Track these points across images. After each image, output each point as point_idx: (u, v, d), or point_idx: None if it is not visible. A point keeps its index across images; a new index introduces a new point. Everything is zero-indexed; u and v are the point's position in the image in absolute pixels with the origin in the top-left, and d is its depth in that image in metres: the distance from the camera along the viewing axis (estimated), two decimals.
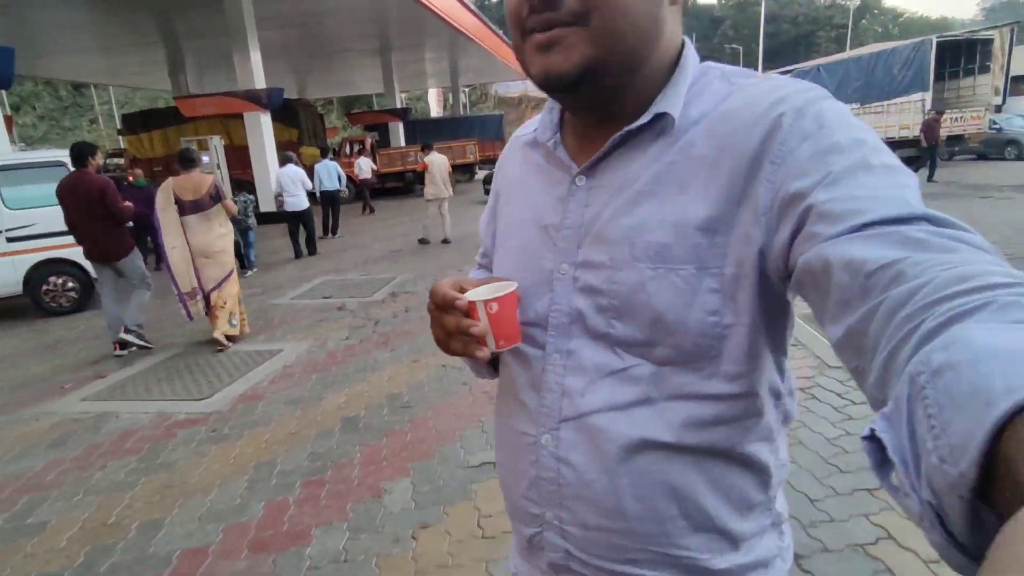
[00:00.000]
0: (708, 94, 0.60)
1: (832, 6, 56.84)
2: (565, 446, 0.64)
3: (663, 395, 0.60)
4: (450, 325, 0.63)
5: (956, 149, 17.11)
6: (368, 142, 18.38)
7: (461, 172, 20.13)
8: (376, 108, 27.88)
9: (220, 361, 4.50)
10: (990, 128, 16.36)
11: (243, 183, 12.51)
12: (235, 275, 4.96)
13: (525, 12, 0.56)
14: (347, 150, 17.56)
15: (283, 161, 9.64)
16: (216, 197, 4.74)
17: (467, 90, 37.37)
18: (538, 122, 0.72)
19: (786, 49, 54.64)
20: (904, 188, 0.48)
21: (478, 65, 23.41)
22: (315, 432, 3.24)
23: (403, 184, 17.44)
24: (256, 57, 12.64)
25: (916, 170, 11.62)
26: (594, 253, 0.62)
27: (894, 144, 16.56)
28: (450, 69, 24.16)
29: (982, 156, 17.58)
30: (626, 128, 0.60)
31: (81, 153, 4.66)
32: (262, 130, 12.79)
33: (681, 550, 0.62)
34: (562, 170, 0.67)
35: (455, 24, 15.46)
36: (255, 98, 12.61)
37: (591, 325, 0.62)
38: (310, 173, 10.96)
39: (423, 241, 9.36)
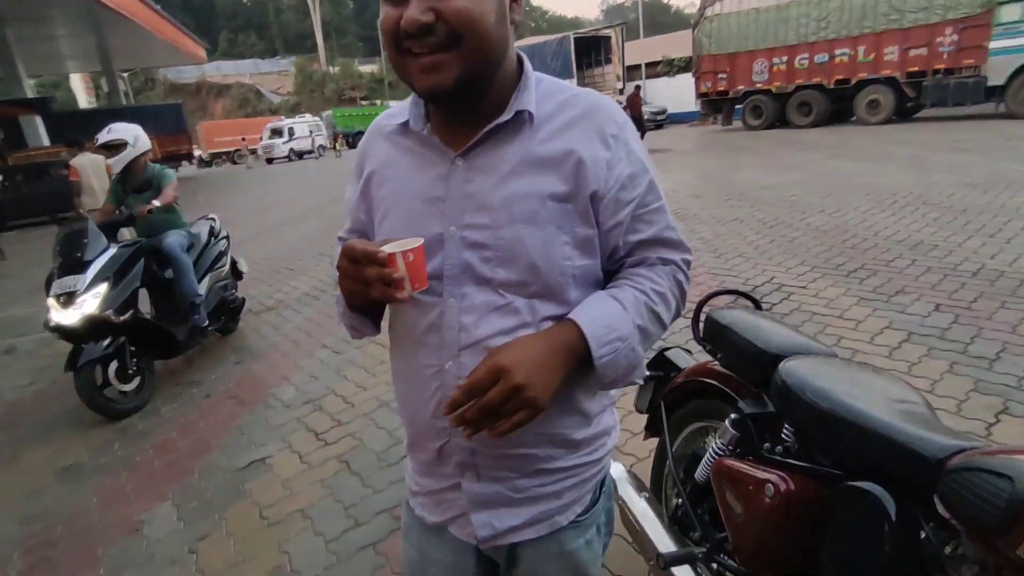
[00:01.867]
0: (550, 97, 0.81)
1: None
2: (466, 368, 0.78)
3: (535, 320, 0.79)
4: (371, 275, 0.73)
5: None
6: None
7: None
8: None
9: None
10: None
11: None
12: None
13: (402, 36, 0.70)
14: None
15: None
16: None
17: (126, 75, 31.28)
18: (404, 113, 0.86)
19: None
20: (662, 212, 0.86)
21: (136, 45, 19.83)
22: (20, 494, 2.71)
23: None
24: None
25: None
26: (478, 217, 0.78)
27: None
28: (98, 50, 19.95)
29: None
30: (495, 122, 0.78)
31: None
32: None
33: (555, 428, 0.83)
34: (439, 153, 0.82)
35: None
36: None
37: (478, 273, 0.79)
38: None
39: None
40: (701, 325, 1.59)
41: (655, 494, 1.79)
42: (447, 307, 0.81)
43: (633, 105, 14.69)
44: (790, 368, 1.21)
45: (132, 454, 2.94)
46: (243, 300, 4.61)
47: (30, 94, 17.89)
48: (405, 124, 0.86)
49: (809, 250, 4.86)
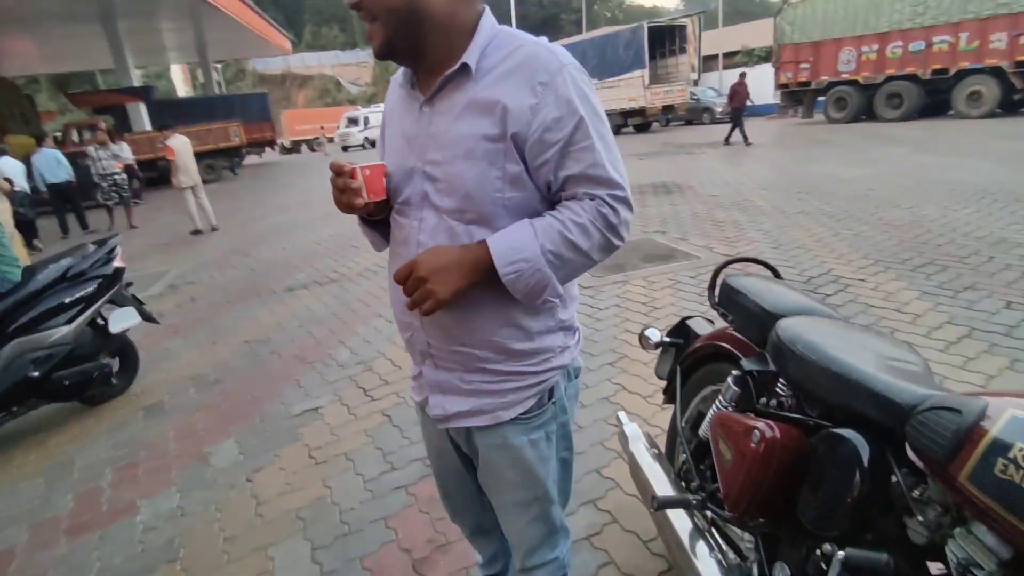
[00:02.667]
0: (496, 51, 0.93)
1: None
2: None
3: (473, 239, 0.93)
4: (339, 184, 0.94)
5: (670, 117, 20.86)
6: (102, 127, 15.69)
7: (225, 156, 18.38)
8: (105, 87, 23.70)
9: None
10: (691, 99, 20.26)
11: None
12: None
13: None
14: (74, 136, 14.77)
15: None
16: None
17: (219, 66, 33.50)
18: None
19: (535, 29, 58.88)
20: (590, 151, 0.92)
21: (230, 38, 21.22)
22: (111, 424, 3.09)
23: (157, 174, 15.33)
24: None
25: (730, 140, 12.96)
26: (435, 154, 0.95)
27: (625, 114, 19.54)
28: (196, 42, 21.49)
29: (688, 122, 21.73)
30: (445, 74, 0.92)
31: None
32: None
33: (494, 336, 1.00)
34: (416, 100, 0.99)
35: None
36: None
37: (432, 201, 0.96)
38: (27, 165, 9.26)
39: (196, 232, 8.62)
40: (717, 291, 1.63)
41: (669, 456, 1.86)
42: (411, 227, 1.00)
43: (736, 95, 13.14)
44: (785, 324, 1.25)
45: (204, 398, 3.27)
46: (111, 370, 3.33)
47: (136, 83, 19.51)
48: (403, 76, 1.05)
49: (876, 244, 4.65)
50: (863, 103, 15.10)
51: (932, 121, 13.75)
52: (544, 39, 0.97)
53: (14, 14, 14.20)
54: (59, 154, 9.58)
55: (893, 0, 13.97)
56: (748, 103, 13.41)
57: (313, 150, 34.27)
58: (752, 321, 1.44)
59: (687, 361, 1.76)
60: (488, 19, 0.96)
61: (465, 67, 0.92)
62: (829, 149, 10.92)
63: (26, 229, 8.12)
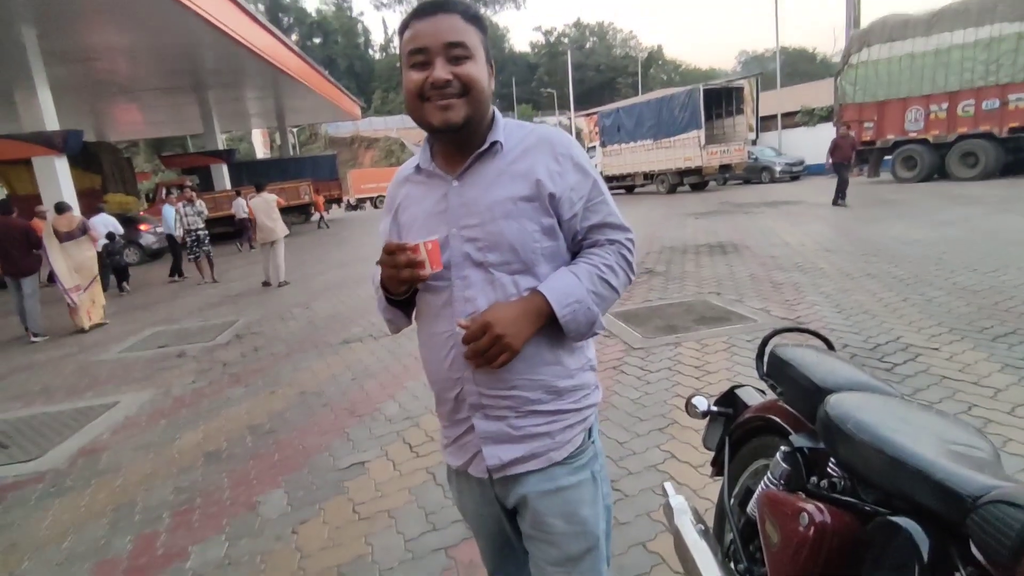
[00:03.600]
0: (511, 134, 1.12)
1: (626, 57, 65.16)
2: None
3: (519, 291, 1.06)
4: (402, 260, 1.01)
5: (727, 176, 20.76)
6: (188, 184, 17.13)
7: (296, 213, 19.56)
8: (192, 150, 25.96)
9: (43, 422, 4.13)
10: (748, 158, 20.15)
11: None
12: (98, 279, 7.54)
13: (426, 89, 1.02)
14: (163, 194, 16.16)
15: (95, 210, 9.09)
16: (84, 230, 7.41)
17: (295, 130, 36.17)
18: (417, 159, 1.18)
19: (593, 93, 61.25)
20: (605, 204, 1.14)
21: (305, 105, 23.03)
22: (175, 470, 3.23)
23: (233, 229, 16.46)
24: (45, 96, 11.33)
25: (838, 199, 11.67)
26: (471, 219, 1.07)
27: (681, 172, 19.63)
28: (275, 109, 23.43)
29: (746, 181, 21.52)
30: (478, 151, 1.09)
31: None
32: (57, 176, 11.41)
33: (541, 376, 1.09)
34: (441, 179, 1.12)
35: (277, 64, 15.26)
36: (47, 141, 11.25)
37: (474, 259, 1.07)
38: (123, 222, 10.40)
39: (266, 284, 9.14)
40: (765, 361, 1.59)
41: (717, 533, 1.76)
42: (455, 287, 1.09)
43: (837, 149, 12.17)
44: (836, 400, 1.20)
45: (260, 447, 3.38)
46: None
47: (220, 147, 21.32)
48: (418, 166, 1.17)
49: (950, 311, 4.38)
50: (935, 162, 14.55)
51: (1014, 179, 13.05)
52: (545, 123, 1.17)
53: (125, 88, 16.01)
54: (172, 210, 10.75)
55: (964, 58, 13.62)
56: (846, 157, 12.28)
57: (376, 207, 35.94)
58: (802, 395, 1.39)
59: (736, 432, 1.69)
60: (497, 111, 1.15)
61: (496, 145, 1.10)
62: (898, 209, 10.51)
63: (120, 274, 10.41)
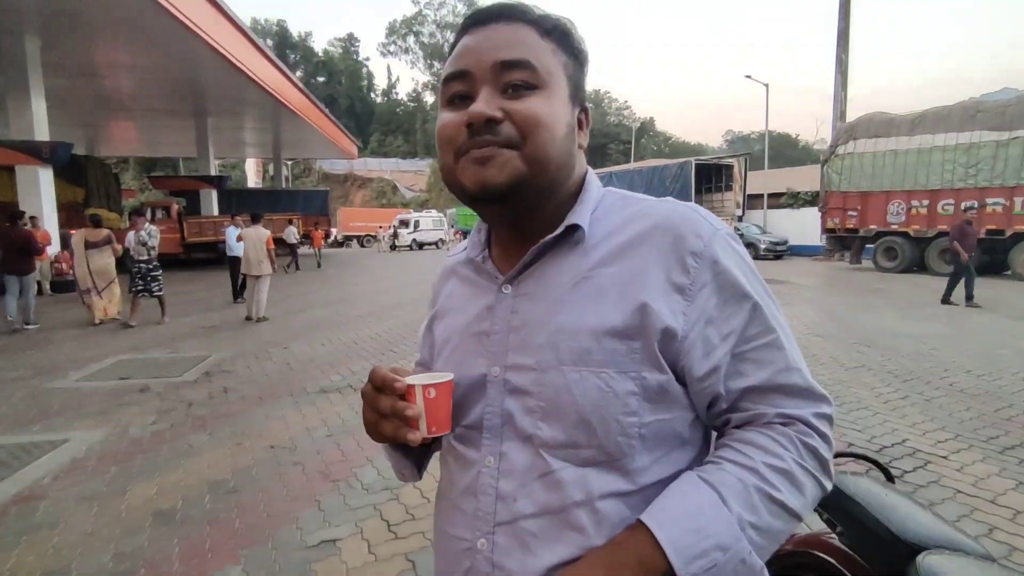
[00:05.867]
0: (612, 213, 0.70)
1: (619, 124, 67.57)
2: (500, 551, 0.65)
3: (590, 499, 0.61)
4: (384, 406, 0.65)
5: None
6: (174, 208, 16.86)
7: (282, 247, 19.28)
8: (184, 172, 25.80)
9: None
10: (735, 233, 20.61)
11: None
12: (116, 282, 8.78)
13: (463, 137, 0.64)
14: (148, 215, 15.82)
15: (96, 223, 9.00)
16: (109, 240, 8.68)
17: (289, 163, 36.32)
18: (468, 243, 0.81)
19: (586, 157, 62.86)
20: (776, 349, 0.65)
21: (303, 140, 23.18)
22: (119, 530, 2.87)
23: (216, 255, 16.13)
24: (39, 105, 11.17)
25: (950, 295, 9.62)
26: (522, 357, 0.66)
27: None
28: (273, 141, 23.55)
29: None
30: (542, 240, 0.67)
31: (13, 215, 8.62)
32: (39, 187, 11.11)
33: None
34: (490, 281, 0.73)
35: (280, 97, 15.37)
36: (33, 150, 11.01)
37: (519, 427, 0.65)
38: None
39: (248, 319, 8.80)
40: None
41: None
42: (485, 467, 0.68)
43: (964, 238, 9.58)
44: (933, 565, 1.02)
45: (220, 510, 3.05)
46: None
47: (214, 172, 21.18)
48: (468, 255, 0.79)
49: (952, 415, 4.27)
50: (915, 255, 14.99)
51: (991, 280, 13.41)
52: (670, 198, 0.74)
53: (124, 106, 15.92)
54: (234, 231, 10.25)
55: (945, 160, 14.25)
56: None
57: (363, 246, 35.81)
58: (872, 541, 1.21)
59: (778, 565, 1.49)
60: (594, 179, 0.75)
61: (574, 229, 0.68)
62: (883, 299, 10.66)
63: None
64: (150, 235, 8.44)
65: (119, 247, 8.70)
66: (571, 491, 0.62)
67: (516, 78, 0.64)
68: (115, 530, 2.87)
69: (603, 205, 0.72)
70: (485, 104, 0.63)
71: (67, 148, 11.59)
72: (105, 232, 8.71)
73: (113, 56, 11.73)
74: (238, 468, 3.56)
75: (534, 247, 0.68)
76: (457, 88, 0.66)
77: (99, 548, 2.70)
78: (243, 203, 19.28)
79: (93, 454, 3.80)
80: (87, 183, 16.36)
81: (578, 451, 0.63)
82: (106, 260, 8.61)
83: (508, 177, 0.63)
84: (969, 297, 9.53)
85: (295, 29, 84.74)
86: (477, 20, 0.68)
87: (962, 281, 9.61)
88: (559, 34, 0.68)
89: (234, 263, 10.20)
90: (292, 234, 17.47)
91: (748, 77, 22.34)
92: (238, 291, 10.46)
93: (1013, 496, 3.02)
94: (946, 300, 9.74)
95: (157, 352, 6.75)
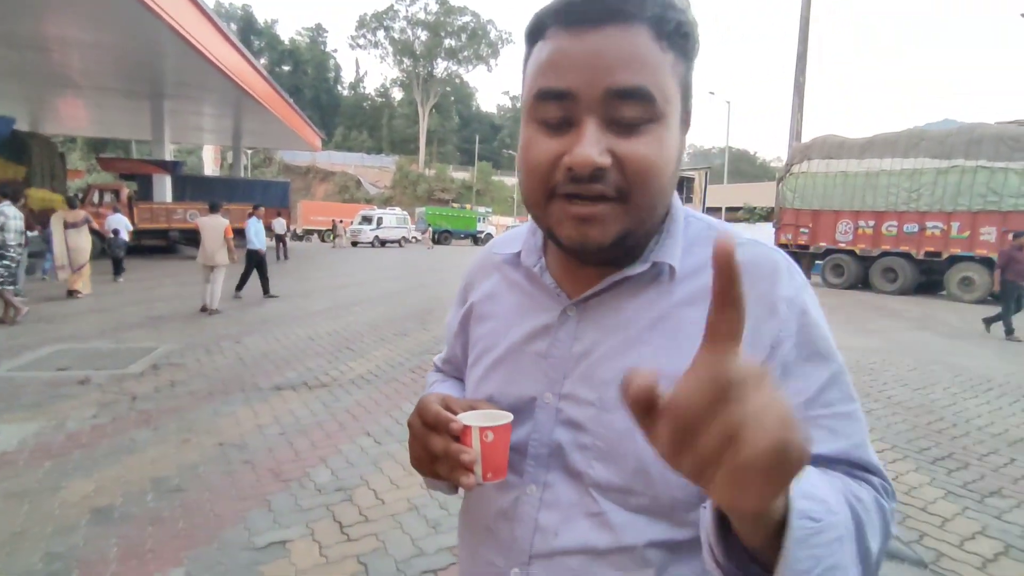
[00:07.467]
0: (698, 245, 0.63)
1: None
2: None
3: (639, 544, 0.58)
4: (437, 448, 0.60)
5: None
6: (124, 192, 16.14)
7: (239, 237, 18.71)
8: (137, 155, 24.73)
9: None
10: None
11: None
12: (88, 262, 9.37)
13: (561, 177, 0.56)
14: (95, 199, 15.09)
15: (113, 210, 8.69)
16: (86, 220, 9.30)
17: (249, 152, 35.29)
18: (518, 241, 0.73)
19: None
20: (854, 422, 0.59)
21: (265, 129, 22.52)
22: (51, 529, 2.72)
23: (166, 243, 15.51)
24: None
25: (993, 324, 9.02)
26: (582, 389, 0.62)
27: None
28: (233, 128, 22.80)
29: None
30: (625, 273, 0.62)
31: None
32: None
33: None
34: (550, 297, 0.67)
35: (242, 84, 14.91)
36: None
37: (570, 461, 0.61)
38: (40, 220, 9.71)
39: (203, 309, 8.49)
40: None
41: None
42: (525, 494, 0.64)
43: (1013, 264, 8.76)
44: None
45: (162, 508, 2.93)
46: None
47: (168, 157, 20.36)
48: (518, 254, 0.72)
49: (889, 426, 4.50)
50: (860, 273, 15.69)
51: (927, 299, 14.19)
52: (756, 238, 0.66)
53: (75, 83, 15.13)
54: (261, 224, 10.25)
55: (890, 183, 14.99)
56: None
57: (323, 240, 35.07)
58: None
59: None
60: (678, 200, 0.66)
61: (660, 269, 0.62)
62: (828, 313, 10.98)
63: (116, 264, 11.81)
64: (13, 219, 7.06)
65: (94, 225, 9.44)
66: (619, 534, 0.59)
67: (629, 115, 0.54)
68: (47, 529, 2.73)
69: (689, 234, 0.65)
70: (593, 148, 0.53)
71: (8, 123, 10.98)
72: (83, 213, 9.27)
73: (66, 31, 11.12)
74: (184, 465, 3.43)
75: (613, 277, 0.62)
76: (555, 112, 0.56)
77: (28, 548, 2.56)
78: (198, 190, 18.63)
79: (25, 448, 3.59)
80: (30, 161, 15.45)
81: (631, 497, 0.59)
82: (83, 240, 9.10)
83: (613, 236, 0.57)
84: (1009, 331, 8.78)
85: (261, 16, 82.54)
86: (584, 17, 0.54)
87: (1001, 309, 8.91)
88: (678, 35, 0.56)
89: (250, 256, 10.14)
90: (280, 225, 18.14)
91: (712, 94, 22.95)
92: (241, 285, 10.26)
93: (942, 504, 3.20)
94: (1010, 333, 8.76)
95: (100, 342, 6.44)
